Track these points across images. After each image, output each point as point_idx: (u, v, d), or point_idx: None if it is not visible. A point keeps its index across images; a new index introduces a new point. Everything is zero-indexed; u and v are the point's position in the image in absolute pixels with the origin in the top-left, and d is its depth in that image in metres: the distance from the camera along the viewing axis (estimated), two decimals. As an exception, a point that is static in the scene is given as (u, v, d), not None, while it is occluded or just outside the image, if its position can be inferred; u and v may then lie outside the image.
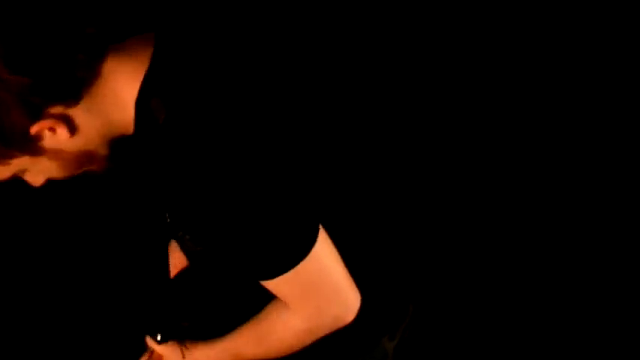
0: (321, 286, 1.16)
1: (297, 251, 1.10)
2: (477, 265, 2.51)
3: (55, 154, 1.02)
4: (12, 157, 0.99)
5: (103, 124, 1.05)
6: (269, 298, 1.24)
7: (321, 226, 1.13)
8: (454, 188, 2.62)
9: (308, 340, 1.25)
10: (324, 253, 1.13)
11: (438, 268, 2.44)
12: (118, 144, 1.09)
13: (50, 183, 1.10)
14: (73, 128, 1.00)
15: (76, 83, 0.98)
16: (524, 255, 2.55)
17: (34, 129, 0.97)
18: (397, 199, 1.38)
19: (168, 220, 1.12)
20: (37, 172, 1.06)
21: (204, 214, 1.03)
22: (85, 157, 1.06)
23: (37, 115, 0.96)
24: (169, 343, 1.45)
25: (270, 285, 1.15)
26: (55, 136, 1.00)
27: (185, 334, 1.46)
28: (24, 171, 1.04)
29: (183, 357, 1.42)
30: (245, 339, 1.30)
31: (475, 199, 2.61)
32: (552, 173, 2.69)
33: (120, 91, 1.04)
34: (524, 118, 2.78)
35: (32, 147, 0.99)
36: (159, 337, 1.48)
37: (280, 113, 1.10)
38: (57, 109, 0.98)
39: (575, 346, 2.34)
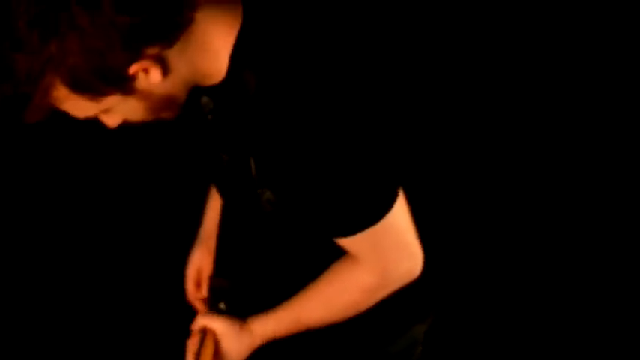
0: (396, 241, 1.22)
1: (380, 208, 1.17)
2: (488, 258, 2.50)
3: (144, 95, 1.07)
4: (106, 94, 1.03)
5: (190, 71, 1.10)
6: (327, 264, 1.30)
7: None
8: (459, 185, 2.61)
9: (379, 296, 1.29)
10: (400, 210, 1.19)
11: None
12: (192, 93, 1.15)
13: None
14: (165, 70, 1.05)
15: (174, 26, 1.03)
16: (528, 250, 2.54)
17: (132, 69, 1.02)
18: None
19: (254, 175, 1.17)
20: (120, 112, 1.10)
21: (296, 168, 1.10)
22: (167, 101, 1.11)
23: (137, 55, 1.01)
24: (226, 317, 1.36)
25: (347, 241, 1.20)
26: (147, 78, 1.04)
27: (243, 305, 1.38)
28: (107, 110, 1.08)
29: (241, 330, 1.34)
30: (310, 302, 1.32)
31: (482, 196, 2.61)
32: (552, 173, 2.68)
33: (210, 40, 1.09)
34: (524, 118, 2.78)
35: (126, 86, 1.03)
36: (222, 306, 1.38)
37: (371, 81, 1.17)
38: (153, 51, 1.02)
39: (576, 346, 2.32)
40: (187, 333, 1.41)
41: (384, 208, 1.16)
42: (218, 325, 1.35)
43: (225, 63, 1.10)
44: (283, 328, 1.34)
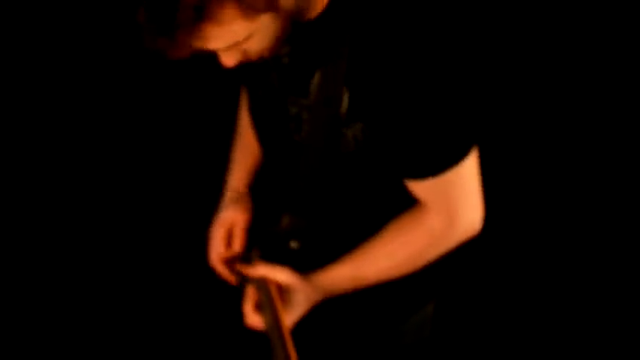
0: (466, 192, 1.26)
1: (458, 153, 1.21)
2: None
3: (284, 17, 1.11)
4: (264, 11, 1.07)
5: (306, 1, 1.15)
6: (390, 216, 1.32)
7: None
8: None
9: (442, 247, 1.32)
10: (474, 163, 1.24)
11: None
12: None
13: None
14: None
15: None
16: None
17: None
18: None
19: (343, 112, 1.21)
20: (257, 39, 1.13)
21: (397, 96, 1.15)
22: (288, 30, 1.15)
23: None
24: (289, 269, 1.30)
25: (422, 186, 1.25)
26: None
27: (316, 245, 1.34)
28: (250, 37, 1.11)
29: (308, 283, 1.30)
30: (374, 252, 1.33)
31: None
32: (552, 174, 2.69)
33: None
34: (524, 118, 2.78)
35: (277, 5, 1.07)
36: (294, 245, 1.33)
37: (469, 37, 1.20)
38: None
39: (577, 346, 2.33)
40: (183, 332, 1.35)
41: (461, 153, 1.21)
42: (286, 277, 1.32)
43: (323, 4, 1.17)
44: (342, 283, 1.34)
